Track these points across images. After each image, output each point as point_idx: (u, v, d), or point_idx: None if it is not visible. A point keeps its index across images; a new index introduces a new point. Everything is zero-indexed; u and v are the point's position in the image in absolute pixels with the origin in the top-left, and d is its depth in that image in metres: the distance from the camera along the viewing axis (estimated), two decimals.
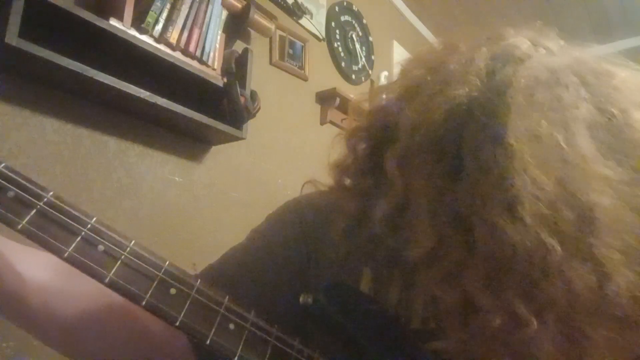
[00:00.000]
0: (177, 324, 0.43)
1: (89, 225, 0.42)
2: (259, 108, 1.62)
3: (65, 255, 0.40)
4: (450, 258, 0.42)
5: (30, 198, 0.40)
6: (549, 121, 0.40)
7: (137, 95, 1.24)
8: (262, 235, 0.61)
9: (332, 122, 2.17)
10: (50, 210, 0.40)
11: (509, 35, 0.49)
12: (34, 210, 0.39)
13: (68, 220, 0.41)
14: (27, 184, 0.40)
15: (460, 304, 0.41)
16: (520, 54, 0.45)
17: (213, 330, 0.44)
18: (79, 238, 0.41)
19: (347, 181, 0.53)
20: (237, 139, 1.58)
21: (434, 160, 0.43)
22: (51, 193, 0.41)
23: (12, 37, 1.01)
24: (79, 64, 1.11)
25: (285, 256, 0.58)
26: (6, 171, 0.39)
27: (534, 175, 0.38)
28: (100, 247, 0.42)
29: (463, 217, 0.41)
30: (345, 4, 2.37)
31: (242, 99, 1.52)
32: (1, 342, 1.07)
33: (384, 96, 0.53)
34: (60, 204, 0.41)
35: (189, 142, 1.57)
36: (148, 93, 1.27)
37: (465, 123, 0.42)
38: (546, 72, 0.43)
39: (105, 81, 1.17)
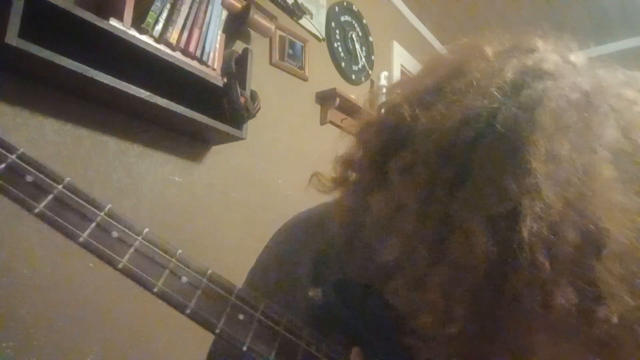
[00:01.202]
0: (188, 312, 0.43)
1: (104, 211, 0.43)
2: (259, 108, 1.62)
3: (80, 240, 0.41)
4: (416, 265, 0.42)
5: (48, 182, 0.41)
6: (573, 144, 0.39)
7: (137, 95, 1.24)
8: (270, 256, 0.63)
9: (332, 122, 2.17)
10: (68, 194, 0.42)
11: (539, 46, 0.48)
12: (51, 195, 0.41)
13: (85, 205, 0.42)
14: (45, 170, 0.41)
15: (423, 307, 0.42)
16: (551, 70, 0.44)
17: (222, 320, 0.45)
18: (94, 224, 0.42)
19: (352, 175, 0.53)
20: (237, 139, 1.57)
21: (439, 166, 0.42)
22: (68, 179, 0.42)
23: (12, 37, 1.01)
24: (79, 64, 1.11)
25: (296, 264, 0.59)
26: (25, 156, 0.41)
27: (544, 196, 0.37)
28: (115, 234, 0.43)
29: (443, 232, 0.41)
30: (345, 4, 2.37)
31: (242, 99, 1.52)
32: (1, 342, 1.07)
33: (399, 92, 0.52)
34: (77, 190, 0.42)
35: (189, 142, 1.57)
36: (148, 93, 1.27)
37: (481, 134, 0.41)
38: (577, 94, 0.42)
39: (105, 81, 1.17)
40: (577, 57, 0.48)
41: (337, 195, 0.55)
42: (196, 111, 1.40)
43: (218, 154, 1.67)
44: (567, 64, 0.46)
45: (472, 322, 0.39)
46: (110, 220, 0.43)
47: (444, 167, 0.42)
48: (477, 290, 0.39)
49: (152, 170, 1.45)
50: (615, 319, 0.35)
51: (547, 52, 0.47)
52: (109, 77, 1.18)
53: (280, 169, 1.89)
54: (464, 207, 0.40)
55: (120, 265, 0.41)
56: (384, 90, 0.58)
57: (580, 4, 2.70)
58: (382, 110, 0.52)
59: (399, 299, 0.44)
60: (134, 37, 1.26)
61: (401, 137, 0.46)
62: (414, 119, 0.45)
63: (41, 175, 0.41)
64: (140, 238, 0.43)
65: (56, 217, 0.40)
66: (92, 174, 1.30)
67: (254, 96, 1.60)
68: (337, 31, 2.30)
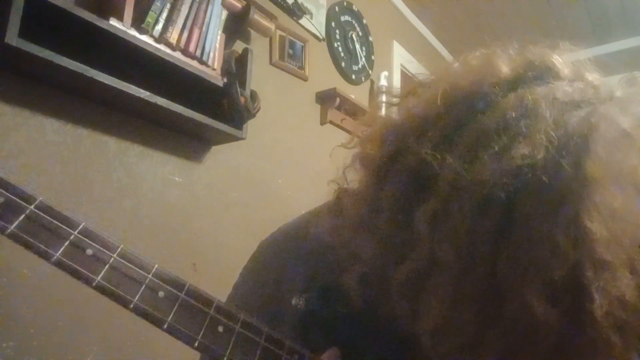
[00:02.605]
0: (165, 327, 0.43)
1: (77, 230, 0.42)
2: (259, 108, 1.62)
3: (53, 259, 0.40)
4: (466, 331, 0.38)
5: (19, 202, 0.40)
6: (626, 197, 0.35)
7: (137, 95, 1.24)
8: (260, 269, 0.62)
9: (332, 122, 2.17)
10: (40, 214, 0.41)
11: (557, 65, 0.44)
12: (23, 216, 0.40)
13: (57, 224, 0.41)
14: (16, 190, 0.40)
15: None
16: (581, 100, 0.41)
17: (201, 333, 0.44)
18: (67, 242, 0.41)
19: (362, 211, 0.47)
20: (237, 139, 1.57)
21: (477, 218, 0.37)
22: (40, 199, 0.41)
23: (12, 37, 1.01)
24: (79, 64, 1.11)
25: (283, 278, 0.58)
26: None
27: (611, 266, 0.33)
28: (89, 251, 0.42)
29: (493, 293, 0.37)
30: (345, 4, 2.37)
31: (242, 99, 1.52)
32: (1, 342, 1.07)
33: (408, 120, 0.46)
34: (49, 209, 0.41)
35: (189, 142, 1.57)
36: (148, 93, 1.27)
37: (523, 185, 0.37)
38: (618, 134, 0.38)
39: (105, 81, 1.17)
40: (594, 77, 0.44)
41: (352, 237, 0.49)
42: (196, 111, 1.40)
43: (218, 154, 1.67)
44: (592, 88, 0.43)
45: None
46: (84, 239, 0.42)
47: (484, 219, 0.37)
48: None
49: (152, 170, 1.45)
50: None
51: (567, 76, 0.44)
52: (109, 77, 1.18)
53: (280, 169, 1.89)
54: (513, 267, 0.36)
55: (94, 283, 0.41)
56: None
57: (580, 4, 2.70)
58: (393, 143, 0.46)
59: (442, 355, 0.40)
60: (134, 37, 1.26)
61: (425, 180, 0.41)
62: (441, 163, 0.40)
63: (12, 197, 0.40)
64: (114, 255, 0.43)
65: (28, 238, 0.40)
66: (92, 174, 1.30)
67: (254, 96, 1.60)
68: (337, 31, 2.30)
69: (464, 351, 0.39)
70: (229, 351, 0.45)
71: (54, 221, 0.41)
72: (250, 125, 1.62)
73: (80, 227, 0.42)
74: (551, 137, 0.37)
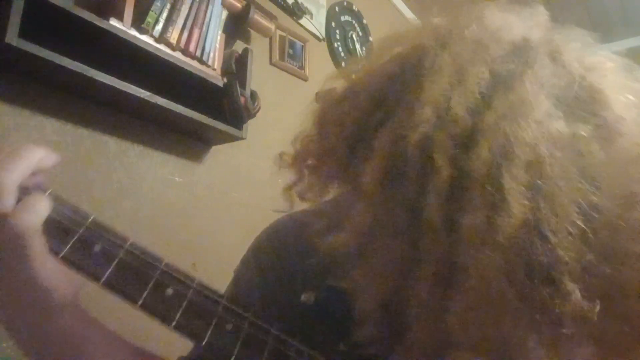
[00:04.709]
0: (174, 324, 0.43)
1: (86, 224, 0.43)
2: (259, 108, 1.62)
3: (61, 255, 0.41)
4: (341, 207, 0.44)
5: None
6: (493, 65, 0.41)
7: (137, 95, 1.24)
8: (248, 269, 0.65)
9: None
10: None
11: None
12: None
13: (67, 220, 0.43)
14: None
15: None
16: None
17: (209, 331, 0.44)
18: (75, 237, 0.42)
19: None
20: (237, 139, 1.58)
21: (369, 111, 0.45)
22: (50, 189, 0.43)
23: (12, 37, 1.01)
24: (79, 64, 1.11)
25: (276, 279, 0.59)
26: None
27: (448, 106, 0.38)
28: (97, 247, 0.42)
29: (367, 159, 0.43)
30: (345, 4, 2.37)
31: (242, 99, 1.52)
32: (1, 342, 1.07)
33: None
34: (57, 206, 0.44)
35: (189, 142, 1.57)
36: (148, 93, 1.27)
37: (407, 79, 0.44)
38: (517, 38, 0.46)
39: (105, 81, 1.17)
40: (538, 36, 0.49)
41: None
42: (196, 111, 1.40)
43: (218, 154, 1.67)
44: (525, 41, 0.47)
45: (391, 240, 0.40)
46: (92, 234, 0.42)
47: (374, 111, 0.44)
48: (379, 208, 0.40)
49: (152, 170, 1.45)
50: (516, 224, 0.35)
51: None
52: (109, 77, 1.18)
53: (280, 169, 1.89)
54: (386, 138, 0.42)
55: (103, 280, 0.41)
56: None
57: (580, 4, 2.70)
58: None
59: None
60: (134, 37, 1.26)
61: (345, 93, 0.50)
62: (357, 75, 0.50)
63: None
64: (122, 252, 0.43)
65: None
66: (92, 174, 1.30)
67: (254, 96, 1.60)
68: (337, 31, 2.30)
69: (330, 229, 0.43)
70: (237, 349, 0.44)
71: (62, 218, 0.43)
72: (250, 125, 1.62)
73: (90, 219, 0.43)
74: (439, 36, 0.47)
